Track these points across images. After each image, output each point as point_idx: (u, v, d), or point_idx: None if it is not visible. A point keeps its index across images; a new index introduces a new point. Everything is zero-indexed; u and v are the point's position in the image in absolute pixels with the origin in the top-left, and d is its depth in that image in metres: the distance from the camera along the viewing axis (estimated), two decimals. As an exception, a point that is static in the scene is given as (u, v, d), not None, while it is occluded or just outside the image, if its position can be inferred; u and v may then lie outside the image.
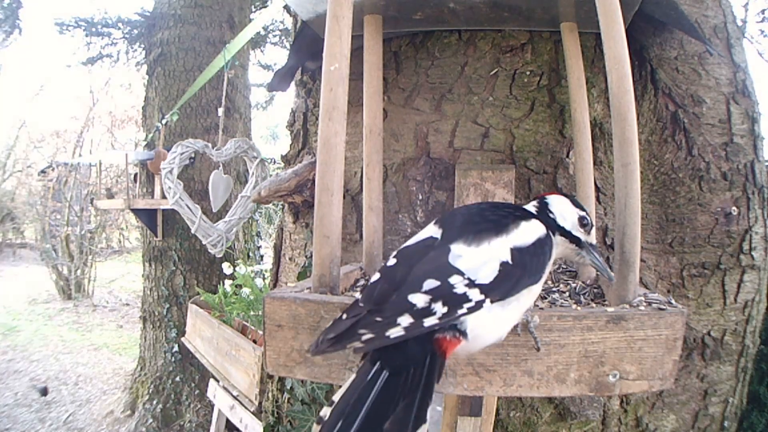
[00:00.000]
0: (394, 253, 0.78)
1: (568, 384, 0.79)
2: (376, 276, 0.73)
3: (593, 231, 0.87)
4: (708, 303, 1.42)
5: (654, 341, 0.78)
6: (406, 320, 0.65)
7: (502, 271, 0.70)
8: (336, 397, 0.67)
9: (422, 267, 0.71)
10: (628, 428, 1.37)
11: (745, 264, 1.42)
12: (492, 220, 0.77)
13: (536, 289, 0.76)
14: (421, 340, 0.67)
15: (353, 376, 0.68)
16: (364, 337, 0.65)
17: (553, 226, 0.83)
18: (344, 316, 0.69)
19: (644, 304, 0.83)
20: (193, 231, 2.76)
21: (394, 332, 0.65)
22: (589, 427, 1.33)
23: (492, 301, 0.70)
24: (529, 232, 0.77)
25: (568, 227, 0.84)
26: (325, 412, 0.67)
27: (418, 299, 0.66)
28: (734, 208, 1.40)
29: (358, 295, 1.00)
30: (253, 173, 2.96)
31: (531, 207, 0.87)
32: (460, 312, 0.67)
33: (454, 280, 0.68)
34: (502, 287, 0.70)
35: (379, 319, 0.66)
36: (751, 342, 1.52)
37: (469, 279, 0.68)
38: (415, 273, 0.70)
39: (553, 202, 0.87)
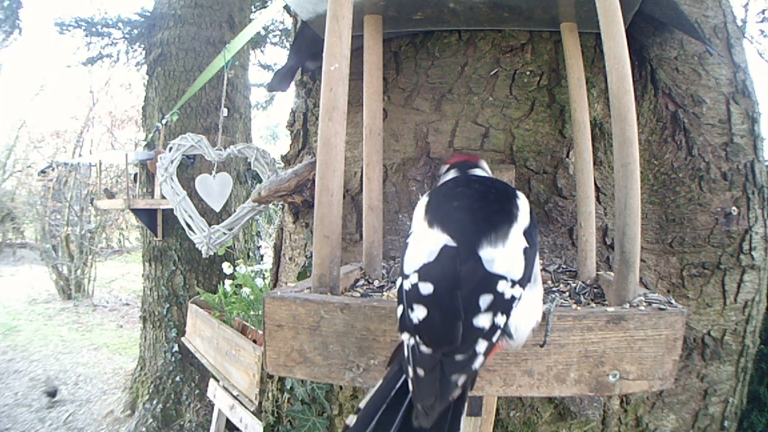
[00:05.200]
0: (415, 277, 0.70)
1: (568, 384, 0.79)
2: (422, 312, 0.66)
3: None
4: (708, 303, 1.42)
5: (654, 341, 0.78)
6: (482, 346, 0.64)
7: (525, 257, 0.72)
8: (362, 405, 0.66)
9: (467, 285, 0.67)
10: (628, 428, 1.37)
11: (745, 264, 1.42)
12: (495, 209, 0.77)
13: (537, 253, 0.78)
14: None
15: (380, 382, 0.68)
16: (460, 382, 0.64)
17: None
18: (421, 373, 0.64)
19: (644, 304, 0.83)
20: (190, 236, 2.60)
21: (478, 362, 0.64)
22: (589, 427, 1.32)
23: (524, 288, 0.71)
24: (524, 209, 0.78)
25: None
26: (351, 420, 0.66)
27: (484, 320, 0.65)
28: (734, 208, 1.40)
29: (357, 295, 1.01)
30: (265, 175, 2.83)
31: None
32: (512, 314, 0.68)
33: (502, 287, 0.67)
34: (527, 271, 0.72)
35: (460, 358, 0.64)
36: (751, 342, 1.52)
37: (511, 280, 0.68)
38: (463, 294, 0.66)
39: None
